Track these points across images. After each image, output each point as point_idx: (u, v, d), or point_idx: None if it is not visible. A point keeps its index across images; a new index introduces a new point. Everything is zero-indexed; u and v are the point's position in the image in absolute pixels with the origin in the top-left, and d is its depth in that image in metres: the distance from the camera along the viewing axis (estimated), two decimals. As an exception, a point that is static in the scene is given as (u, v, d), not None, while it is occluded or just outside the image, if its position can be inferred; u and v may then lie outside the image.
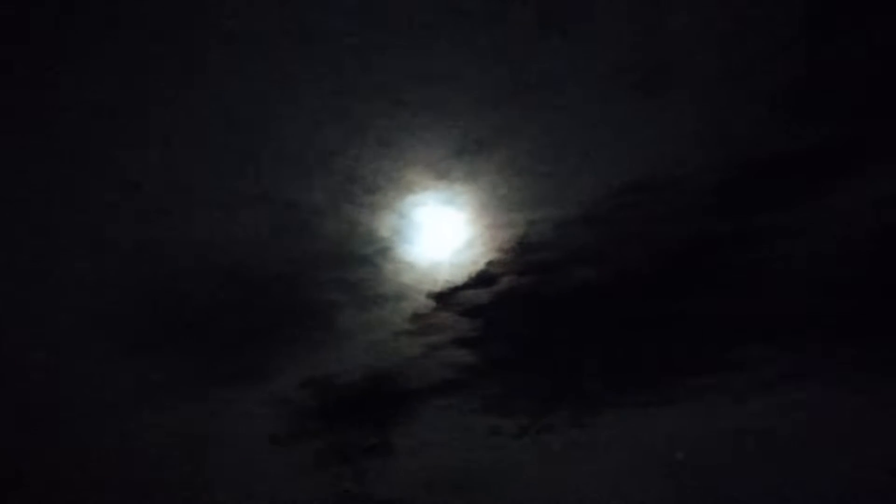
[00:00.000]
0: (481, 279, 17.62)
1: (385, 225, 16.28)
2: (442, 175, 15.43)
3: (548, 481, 19.62)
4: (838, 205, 16.07)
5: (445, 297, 18.00)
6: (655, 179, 15.68)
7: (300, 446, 19.26)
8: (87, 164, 14.17)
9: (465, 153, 14.96)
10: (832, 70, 13.43)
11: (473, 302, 18.10)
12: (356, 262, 16.89)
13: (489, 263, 17.26)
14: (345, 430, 19.41)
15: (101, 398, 17.80)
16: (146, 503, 18.24)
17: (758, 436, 19.77)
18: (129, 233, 15.44)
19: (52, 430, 18.06)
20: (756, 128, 14.52)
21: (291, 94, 13.37)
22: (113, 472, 17.98)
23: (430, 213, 16.29)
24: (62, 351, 17.51)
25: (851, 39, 13.02)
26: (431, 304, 17.98)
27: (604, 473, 19.72)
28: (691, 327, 18.89)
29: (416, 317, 18.27)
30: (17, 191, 14.42)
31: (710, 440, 19.92)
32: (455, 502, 19.34)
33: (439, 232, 16.72)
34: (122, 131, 13.74)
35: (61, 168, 14.27)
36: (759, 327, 18.78)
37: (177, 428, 18.32)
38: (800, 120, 14.32)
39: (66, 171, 14.32)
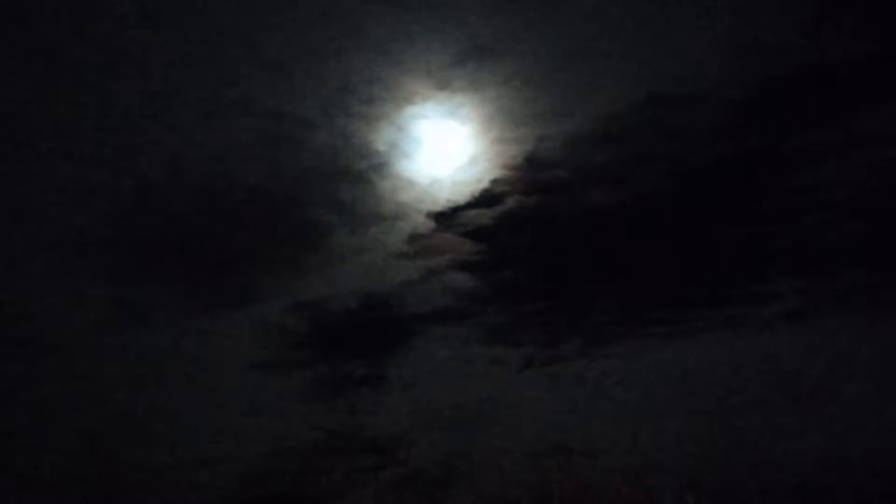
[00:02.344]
0: (485, 198, 17.58)
1: (381, 138, 16.23)
2: (443, 85, 15.35)
3: (554, 417, 19.73)
4: (875, 125, 15.94)
5: (446, 218, 17.99)
6: (677, 93, 15.61)
7: (288, 376, 19.30)
8: (57, 70, 14.10)
9: (468, 61, 14.86)
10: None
11: (476, 223, 18.06)
12: (349, 179, 16.86)
13: (494, 181, 17.22)
14: (336, 359, 19.45)
15: (76, 325, 17.83)
16: (126, 432, 18.41)
17: (784, 369, 19.83)
18: (101, 144, 15.38)
19: (27, 359, 18.17)
20: (789, 38, 14.38)
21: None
22: (90, 403, 18.12)
23: (431, 126, 16.25)
24: (35, 274, 17.52)
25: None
26: (431, 224, 17.94)
27: (614, 409, 19.80)
28: (714, 255, 18.84)
29: (415, 238, 18.22)
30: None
31: (730, 374, 19.95)
32: (454, 439, 19.47)
33: (440, 147, 16.68)
34: (91, 33, 13.62)
35: (28, 72, 14.20)
36: (788, 255, 18.74)
37: (157, 356, 18.38)
38: (836, 32, 14.15)
39: (34, 75, 14.25)
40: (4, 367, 17.37)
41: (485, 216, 17.91)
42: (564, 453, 18.86)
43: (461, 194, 17.39)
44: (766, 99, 15.78)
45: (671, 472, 18.43)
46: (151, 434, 18.12)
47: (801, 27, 13.94)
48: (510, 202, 17.59)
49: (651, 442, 19.27)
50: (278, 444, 18.75)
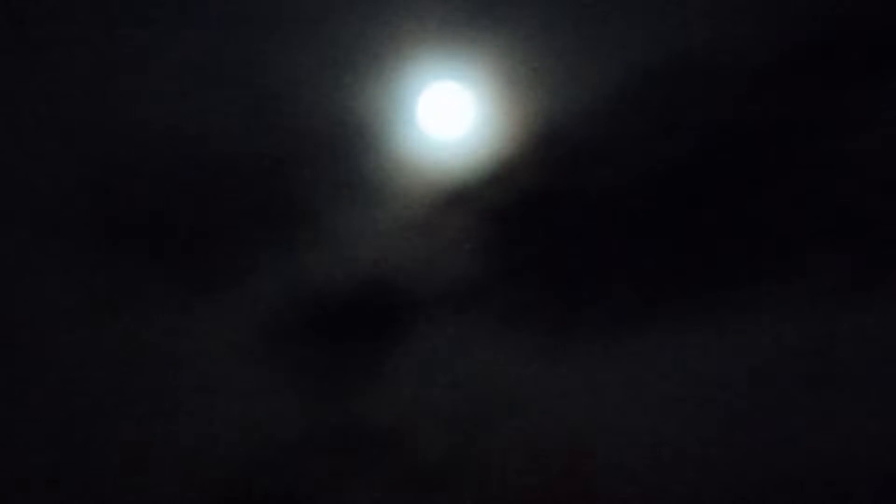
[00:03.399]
0: (493, 174, 17.22)
1: (380, 110, 15.89)
2: (449, 50, 15.01)
3: (567, 406, 19.52)
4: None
5: (453, 196, 17.54)
6: (700, 60, 15.30)
7: (280, 364, 19.18)
8: (20, 38, 13.67)
9: (476, 23, 14.65)
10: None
11: (486, 201, 17.68)
12: (345, 153, 16.44)
13: (502, 158, 16.84)
14: (333, 346, 19.33)
15: (49, 307, 17.62)
16: (106, 423, 18.26)
17: (815, 354, 19.60)
18: (71, 116, 14.97)
19: (4, 334, 18.03)
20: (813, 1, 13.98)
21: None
22: (65, 394, 17.96)
23: (438, 97, 16.10)
24: (7, 254, 17.26)
25: None
26: (437, 202, 17.58)
27: (630, 397, 19.59)
28: (739, 231, 18.54)
29: (417, 216, 17.77)
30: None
31: (758, 358, 19.72)
32: (458, 430, 19.34)
33: (447, 120, 16.49)
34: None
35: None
36: (818, 232, 18.41)
37: (138, 342, 18.19)
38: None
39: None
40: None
41: (492, 193, 17.52)
42: (580, 444, 18.83)
43: (466, 170, 16.99)
44: (797, 64, 15.58)
45: (698, 461, 18.39)
46: (132, 426, 18.04)
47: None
48: (522, 179, 17.28)
49: (676, 431, 19.15)
50: (270, 435, 18.70)
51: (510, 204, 17.64)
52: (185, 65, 14.60)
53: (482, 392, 19.24)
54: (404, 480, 17.81)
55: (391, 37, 14.73)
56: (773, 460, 18.45)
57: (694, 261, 18.78)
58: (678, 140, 16.89)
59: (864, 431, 18.22)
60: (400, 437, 18.52)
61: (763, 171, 17.55)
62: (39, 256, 17.09)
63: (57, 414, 17.64)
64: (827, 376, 18.96)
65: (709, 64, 15.59)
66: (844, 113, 16.32)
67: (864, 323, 18.82)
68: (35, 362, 17.58)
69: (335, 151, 16.47)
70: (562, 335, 19.19)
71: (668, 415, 18.80)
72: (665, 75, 15.71)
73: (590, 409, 18.98)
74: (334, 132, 16.12)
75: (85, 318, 17.60)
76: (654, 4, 14.59)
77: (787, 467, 18.37)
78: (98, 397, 17.91)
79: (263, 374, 18.73)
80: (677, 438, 18.32)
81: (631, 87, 15.87)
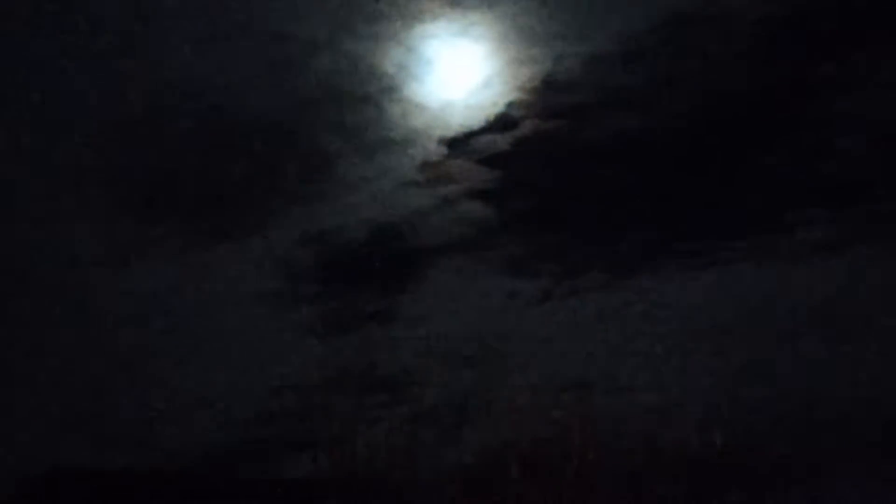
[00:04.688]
0: (500, 123, 17.53)
1: (389, 60, 16.16)
2: (455, 2, 15.23)
3: (573, 352, 19.76)
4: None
5: (459, 143, 17.88)
6: (705, 11, 15.46)
7: (295, 312, 19.35)
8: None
9: None
10: None
11: (491, 149, 17.99)
12: (357, 103, 16.81)
13: (509, 105, 17.14)
14: (345, 293, 19.49)
15: (74, 257, 17.89)
16: (126, 372, 18.55)
17: (817, 301, 19.80)
18: (93, 71, 15.31)
19: (20, 298, 18.27)
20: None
21: None
22: (87, 342, 18.21)
23: (442, 46, 16.18)
24: (26, 209, 17.54)
25: None
26: (443, 150, 17.88)
27: (638, 343, 19.81)
28: (743, 183, 18.76)
29: (426, 165, 18.15)
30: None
31: (760, 306, 19.93)
32: (469, 375, 19.51)
33: (452, 68, 16.63)
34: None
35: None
36: (823, 183, 18.64)
37: (157, 292, 18.43)
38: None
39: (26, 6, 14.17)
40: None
41: (500, 142, 17.82)
42: (585, 390, 18.93)
43: (475, 119, 17.31)
44: (802, 18, 15.63)
45: (698, 409, 18.51)
46: (153, 373, 18.24)
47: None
48: (527, 127, 17.51)
49: (676, 378, 19.32)
50: (285, 381, 18.87)
51: (517, 151, 17.85)
52: (208, 20, 14.85)
53: (491, 335, 19.40)
54: (418, 422, 17.93)
55: None
56: (772, 402, 18.60)
57: (695, 209, 19.00)
58: (679, 90, 17.09)
59: (861, 373, 18.45)
60: (412, 379, 18.64)
61: (764, 123, 17.75)
62: (69, 206, 17.32)
63: (86, 358, 17.86)
64: (825, 321, 19.17)
65: (710, 17, 15.75)
66: (844, 70, 16.51)
67: (860, 270, 19.13)
68: (64, 308, 17.84)
69: (349, 103, 16.71)
70: (567, 279, 19.39)
71: (668, 356, 19.03)
72: (669, 28, 15.85)
73: (595, 354, 19.19)
74: (348, 84, 16.34)
75: (111, 265, 17.84)
76: None
77: (786, 408, 18.51)
78: (123, 342, 18.12)
79: (282, 317, 18.93)
80: (678, 379, 18.54)
81: (634, 39, 16.06)
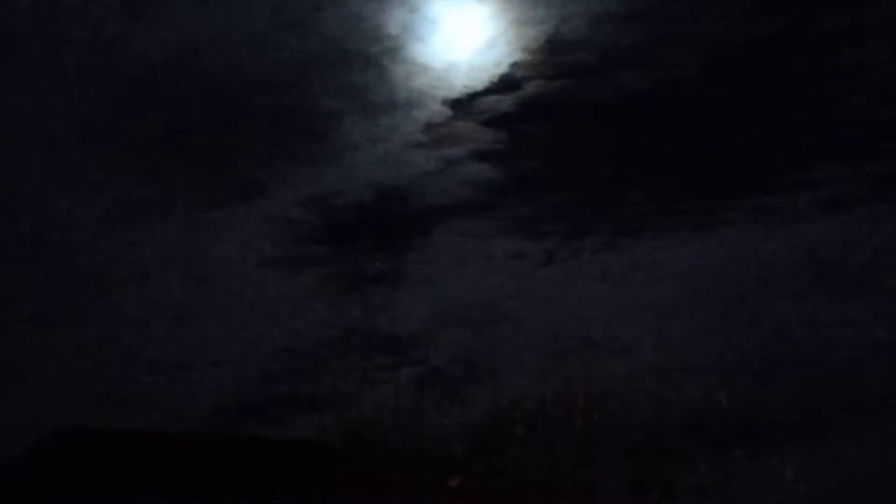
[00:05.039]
0: (505, 83, 17.51)
1: (393, 20, 16.13)
2: (459, -39, 15.11)
3: (579, 313, 19.80)
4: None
5: (463, 104, 17.91)
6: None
7: (300, 273, 19.42)
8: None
9: None
10: None
11: (496, 109, 18.01)
12: (360, 64, 16.80)
13: (514, 65, 17.14)
14: (350, 254, 19.53)
15: (77, 221, 17.92)
16: (133, 332, 18.62)
17: (821, 261, 19.80)
18: (98, 29, 15.29)
19: (29, 256, 18.31)
20: None
21: None
22: (95, 302, 18.27)
23: (446, 6, 16.11)
24: (33, 166, 17.56)
25: None
26: (447, 111, 17.89)
27: (642, 304, 19.85)
28: (748, 142, 18.74)
29: (430, 126, 18.14)
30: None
31: (765, 266, 19.95)
32: (474, 336, 19.56)
33: (456, 29, 16.57)
34: None
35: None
36: (827, 142, 18.58)
37: (163, 252, 18.49)
38: None
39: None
40: (4, 264, 17.50)
41: (505, 103, 17.84)
42: (590, 350, 18.95)
43: (479, 79, 17.31)
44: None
45: (702, 369, 18.53)
46: (160, 334, 18.33)
47: None
48: (531, 87, 17.50)
49: (681, 338, 19.36)
50: (292, 343, 18.94)
51: (521, 113, 17.86)
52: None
53: (495, 297, 19.44)
54: (423, 383, 17.95)
55: None
56: (780, 360, 18.63)
57: (700, 170, 18.97)
58: (686, 50, 17.05)
59: (868, 330, 18.46)
60: (417, 341, 18.66)
61: (768, 82, 17.68)
62: (74, 169, 17.33)
63: (89, 321, 17.94)
64: (828, 280, 19.15)
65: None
66: (851, 25, 16.41)
67: (865, 230, 19.10)
68: (67, 273, 17.89)
69: (352, 63, 16.69)
70: (571, 240, 19.39)
71: (673, 319, 19.04)
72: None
73: (600, 314, 19.23)
74: (351, 45, 16.33)
75: (116, 227, 17.85)
76: None
77: (794, 367, 18.55)
78: (129, 302, 18.20)
79: (287, 279, 18.97)
80: (682, 339, 18.53)
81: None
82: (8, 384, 16.55)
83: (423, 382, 18.59)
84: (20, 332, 17.36)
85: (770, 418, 17.25)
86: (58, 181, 17.64)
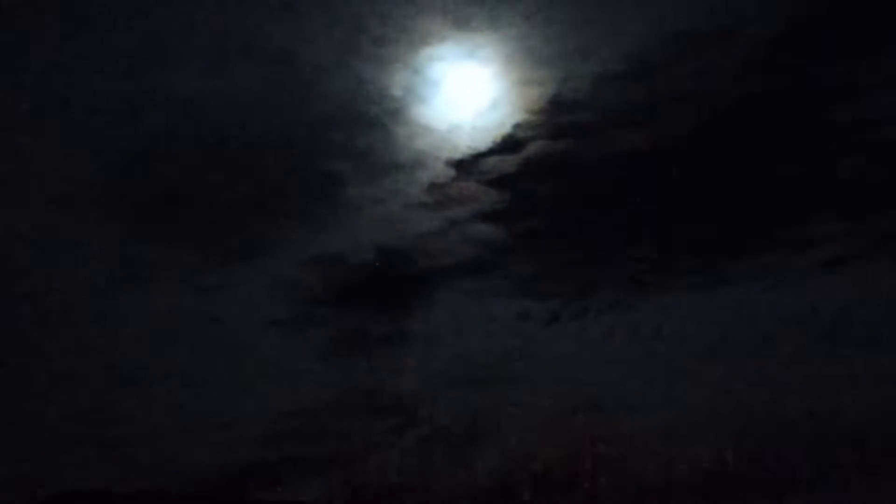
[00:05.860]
0: (508, 144, 17.61)
1: (397, 82, 16.24)
2: (461, 23, 15.33)
3: (584, 372, 19.74)
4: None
5: (467, 165, 17.98)
6: (706, 29, 15.52)
7: (305, 334, 19.39)
8: (58, 13, 14.12)
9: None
10: None
11: (499, 170, 18.10)
12: (364, 126, 16.91)
13: (517, 126, 17.22)
14: (355, 315, 19.53)
15: (81, 279, 17.96)
16: (139, 394, 18.58)
17: (825, 319, 19.77)
18: (107, 94, 15.41)
19: (33, 318, 18.33)
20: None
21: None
22: (100, 363, 18.26)
23: (449, 68, 16.22)
24: (38, 227, 17.62)
25: None
26: (451, 172, 17.98)
27: (647, 363, 19.80)
28: (751, 198, 18.79)
29: (434, 187, 18.25)
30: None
31: (769, 324, 19.92)
32: (479, 396, 19.50)
33: (459, 90, 16.66)
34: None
35: (30, 16, 14.22)
36: (825, 199, 18.63)
37: (168, 313, 18.50)
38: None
39: (35, 19, 14.27)
40: (10, 326, 17.50)
41: (508, 163, 17.93)
42: (595, 410, 18.86)
43: (482, 140, 17.40)
44: (801, 32, 15.68)
45: (708, 427, 18.42)
46: (165, 395, 18.27)
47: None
48: (534, 147, 17.60)
49: (687, 397, 19.27)
50: (296, 404, 18.88)
51: (524, 173, 17.92)
52: (217, 42, 14.95)
53: (500, 357, 19.38)
54: (429, 444, 17.88)
55: (406, 16, 14.97)
56: (785, 418, 18.53)
57: (703, 228, 19.00)
58: (686, 109, 17.15)
59: (870, 391, 18.37)
60: (423, 402, 18.62)
61: (769, 140, 17.76)
62: (78, 230, 17.40)
63: (93, 383, 17.90)
64: (833, 340, 19.10)
65: (714, 35, 15.79)
66: (852, 82, 16.51)
67: (867, 287, 19.08)
68: (72, 334, 17.87)
69: (356, 125, 16.78)
70: (576, 299, 19.38)
71: (678, 378, 18.97)
72: (671, 46, 15.89)
73: (605, 374, 19.15)
74: (355, 106, 16.43)
75: (121, 288, 17.89)
76: None
77: (800, 425, 18.44)
78: (134, 364, 18.15)
79: (290, 341, 18.93)
80: (688, 401, 18.46)
81: (638, 57, 16.11)
82: (10, 445, 16.49)
83: (429, 443, 18.51)
84: (22, 392, 17.34)
85: (775, 476, 17.16)
86: (61, 242, 17.71)
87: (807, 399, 19.03)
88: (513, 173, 18.07)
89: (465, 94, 16.58)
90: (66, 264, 17.74)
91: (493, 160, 17.76)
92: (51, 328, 17.77)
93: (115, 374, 18.09)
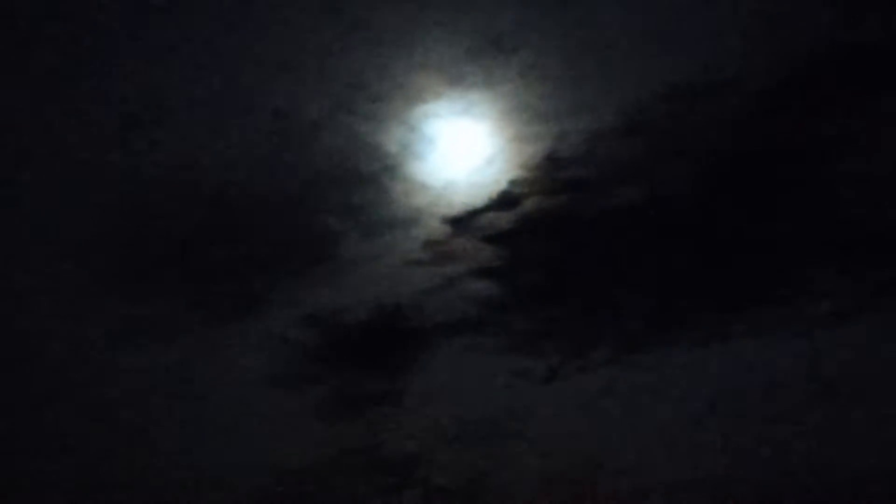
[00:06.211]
0: (504, 200, 17.61)
1: (392, 139, 16.25)
2: (456, 81, 15.36)
3: (583, 432, 19.67)
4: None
5: (463, 222, 18.00)
6: (702, 83, 15.59)
7: (300, 392, 19.35)
8: (58, 79, 14.16)
9: (482, 55, 14.89)
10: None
11: (495, 226, 18.09)
12: (359, 183, 16.92)
13: (512, 182, 17.25)
14: (351, 374, 19.49)
15: (78, 336, 17.91)
16: (131, 451, 18.49)
17: (828, 375, 19.72)
18: (104, 152, 15.45)
19: (24, 376, 18.27)
20: (818, 17, 14.27)
21: (279, -13, 13.24)
22: (92, 421, 18.20)
23: (444, 125, 16.24)
24: (33, 286, 17.61)
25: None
26: (447, 229, 17.99)
27: (647, 421, 19.73)
28: (748, 253, 18.81)
29: (430, 244, 18.25)
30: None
31: (771, 381, 19.87)
32: (477, 456, 19.43)
33: (454, 147, 16.68)
34: (87, 35, 13.65)
35: (31, 82, 14.28)
36: (825, 253, 18.64)
37: (161, 371, 18.46)
38: (869, 7, 14.04)
39: (31, 80, 14.31)
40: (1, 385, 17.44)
41: (504, 219, 17.91)
42: (594, 470, 18.77)
43: (478, 197, 17.39)
44: (798, 84, 15.75)
45: (708, 485, 18.34)
46: (158, 453, 18.18)
47: (833, 6, 13.79)
48: (530, 204, 17.58)
49: (687, 456, 19.19)
50: (292, 462, 18.79)
51: (520, 230, 17.93)
52: (212, 100, 14.99)
53: (498, 415, 19.34)
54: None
55: (402, 74, 15.03)
56: (788, 477, 18.45)
57: (700, 281, 18.97)
58: (682, 163, 17.18)
59: (870, 443, 18.31)
60: (418, 461, 18.54)
61: (767, 193, 17.79)
62: (71, 289, 17.41)
63: (85, 440, 17.82)
64: (835, 394, 19.05)
65: (710, 88, 15.85)
66: (845, 135, 16.55)
67: (871, 342, 19.03)
68: (63, 392, 17.82)
69: (352, 182, 16.82)
70: (574, 356, 19.35)
71: (678, 434, 18.90)
72: (667, 101, 15.94)
73: (605, 432, 19.09)
74: (351, 163, 16.46)
75: (115, 347, 17.85)
76: (653, 34, 14.84)
77: (803, 484, 18.35)
78: (127, 423, 18.09)
79: (286, 399, 18.88)
80: (689, 458, 18.38)
81: (633, 113, 16.15)
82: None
83: (427, 502, 18.39)
84: (17, 453, 17.24)
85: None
86: (57, 300, 17.69)
87: (808, 454, 18.95)
88: (509, 230, 18.06)
89: (460, 151, 16.59)
90: (65, 321, 17.74)
91: (489, 216, 17.74)
92: (43, 386, 17.74)
93: (109, 432, 18.02)
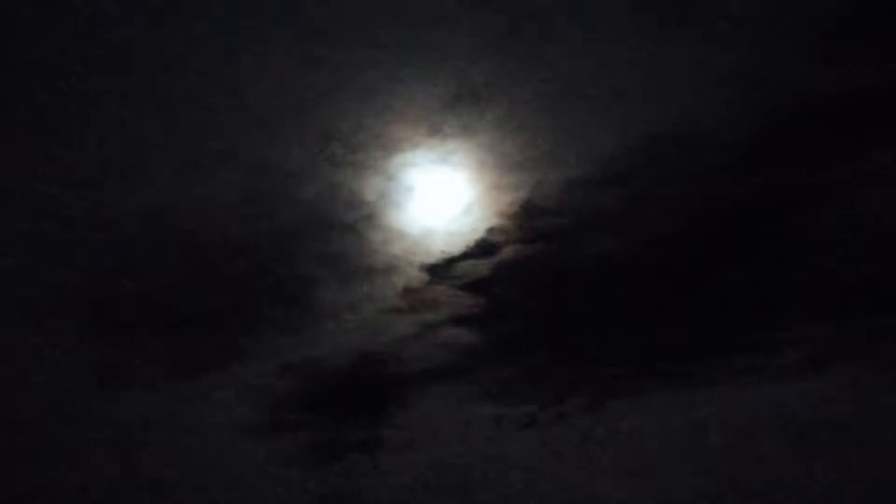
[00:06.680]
0: (481, 248, 17.68)
1: (370, 188, 16.28)
2: (434, 130, 15.40)
3: (560, 478, 19.64)
4: (891, 160, 15.91)
5: (441, 270, 18.08)
6: (679, 133, 15.65)
7: (278, 441, 19.28)
8: (25, 121, 14.10)
9: (460, 105, 14.94)
10: (877, 4, 13.23)
11: (473, 274, 18.18)
12: (337, 232, 16.94)
13: (490, 230, 17.29)
14: (328, 422, 19.43)
15: (45, 389, 17.79)
16: (108, 500, 18.33)
17: (803, 423, 19.78)
18: (73, 199, 15.37)
19: (5, 419, 18.12)
20: (794, 70, 14.39)
21: (255, 40, 13.24)
22: (62, 472, 18.03)
23: (421, 174, 16.27)
24: (11, 334, 17.49)
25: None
26: (425, 277, 18.07)
27: (625, 468, 19.73)
28: (725, 302, 18.91)
29: (408, 292, 18.31)
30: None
31: (748, 428, 19.91)
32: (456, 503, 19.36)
33: (432, 196, 16.71)
34: (63, 81, 13.61)
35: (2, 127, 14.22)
36: (802, 302, 18.74)
37: (135, 422, 18.35)
38: (844, 62, 14.15)
39: (8, 129, 14.26)
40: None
41: (482, 267, 17.97)
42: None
43: (456, 245, 17.44)
44: (773, 136, 15.85)
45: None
46: (130, 502, 17.99)
47: (807, 59, 13.92)
48: (508, 252, 17.64)
49: (664, 500, 19.15)
50: (270, 511, 18.65)
51: (498, 277, 17.98)
52: (186, 147, 14.97)
53: (476, 462, 19.28)
54: None
55: (379, 123, 15.06)
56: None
57: (678, 329, 19.03)
58: (657, 213, 17.26)
59: (847, 491, 18.33)
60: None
61: (742, 242, 17.90)
62: (41, 341, 17.30)
63: (56, 492, 17.65)
64: (811, 442, 19.09)
65: (686, 138, 15.92)
66: (820, 185, 16.66)
67: (845, 390, 19.11)
68: (34, 443, 17.66)
69: (329, 232, 16.83)
70: (552, 404, 19.36)
71: (655, 480, 18.88)
72: (644, 150, 16.01)
73: (581, 477, 19.05)
74: (328, 212, 16.47)
75: (87, 399, 17.72)
76: (630, 83, 14.91)
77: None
78: (101, 477, 17.94)
79: (263, 448, 18.78)
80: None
81: (611, 162, 16.22)
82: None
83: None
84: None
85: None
86: (31, 350, 17.57)
87: (784, 501, 18.95)
88: (486, 277, 18.12)
89: (438, 200, 16.62)
90: (35, 374, 17.62)
91: (466, 265, 17.80)
92: (20, 436, 17.59)
93: (84, 482, 17.86)
